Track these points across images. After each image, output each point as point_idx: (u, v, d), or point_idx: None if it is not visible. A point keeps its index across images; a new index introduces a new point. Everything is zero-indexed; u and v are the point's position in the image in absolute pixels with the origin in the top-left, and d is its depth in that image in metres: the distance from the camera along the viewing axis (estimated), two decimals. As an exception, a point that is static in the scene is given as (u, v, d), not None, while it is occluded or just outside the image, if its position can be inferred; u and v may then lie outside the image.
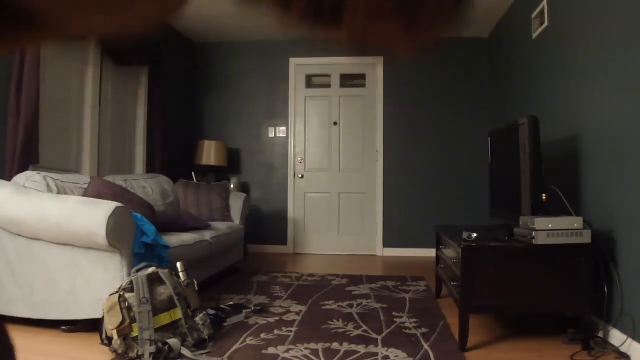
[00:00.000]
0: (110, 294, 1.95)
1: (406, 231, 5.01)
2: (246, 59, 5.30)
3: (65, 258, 2.21)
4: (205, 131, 5.34)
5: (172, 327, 1.98)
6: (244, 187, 5.21)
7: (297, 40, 5.20)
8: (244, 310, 2.56)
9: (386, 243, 5.03)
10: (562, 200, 2.44)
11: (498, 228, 2.64)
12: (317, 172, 5.14)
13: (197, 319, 2.07)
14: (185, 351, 1.90)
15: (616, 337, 2.09)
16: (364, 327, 2.35)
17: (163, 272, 2.04)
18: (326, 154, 5.14)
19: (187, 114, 5.28)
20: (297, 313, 2.61)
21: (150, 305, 1.91)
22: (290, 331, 2.27)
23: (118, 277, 2.15)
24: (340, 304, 2.84)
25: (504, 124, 2.69)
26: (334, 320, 2.48)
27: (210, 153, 4.81)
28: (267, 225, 5.21)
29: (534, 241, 2.05)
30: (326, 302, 2.86)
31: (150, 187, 3.48)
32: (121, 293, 1.93)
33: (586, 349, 2.04)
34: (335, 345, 2.07)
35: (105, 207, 2.12)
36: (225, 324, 2.37)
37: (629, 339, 1.98)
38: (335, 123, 5.15)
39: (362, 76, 5.18)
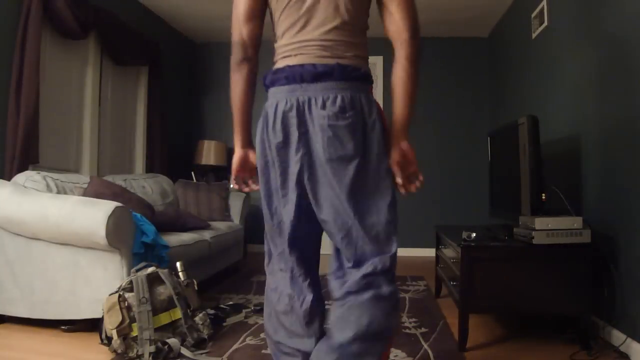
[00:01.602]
0: (110, 294, 1.95)
1: (406, 231, 5.01)
2: (246, 59, 5.29)
3: (65, 258, 2.21)
4: (205, 131, 5.34)
5: (171, 327, 1.98)
6: (243, 187, 5.21)
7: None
8: (243, 310, 2.56)
9: (386, 243, 5.03)
10: (562, 200, 2.44)
11: (498, 228, 2.64)
12: (317, 172, 5.13)
13: (197, 318, 2.07)
14: (185, 351, 1.90)
15: (616, 337, 2.09)
16: (364, 327, 2.35)
17: (163, 272, 2.04)
18: (326, 154, 5.13)
19: (187, 114, 5.28)
20: (297, 313, 2.61)
21: (150, 305, 1.92)
22: (290, 331, 2.27)
23: (118, 277, 2.15)
24: (340, 303, 2.84)
25: (504, 124, 2.69)
26: (334, 320, 2.48)
27: (210, 153, 4.81)
28: (267, 225, 5.20)
29: (533, 241, 2.05)
30: (326, 302, 2.86)
31: (150, 187, 3.48)
32: (121, 293, 1.93)
33: (586, 349, 2.03)
34: (335, 345, 2.07)
35: (105, 207, 2.12)
36: (225, 323, 2.37)
37: (629, 339, 1.98)
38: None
39: (362, 76, 5.14)
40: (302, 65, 1.22)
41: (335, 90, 1.19)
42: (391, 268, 1.27)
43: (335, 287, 1.27)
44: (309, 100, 1.19)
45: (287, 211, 1.26)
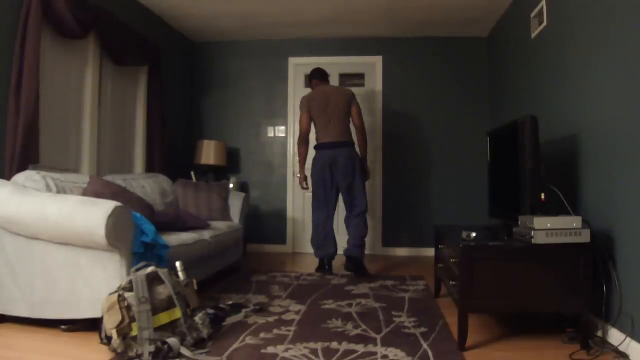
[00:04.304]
0: (110, 294, 1.95)
1: (406, 231, 5.02)
2: (246, 59, 5.30)
3: (65, 258, 2.21)
4: (204, 131, 5.34)
5: (171, 327, 1.98)
6: (243, 187, 5.22)
7: (296, 40, 5.21)
8: (243, 310, 2.56)
9: (386, 242, 5.04)
10: (562, 200, 2.44)
11: (498, 228, 2.64)
12: (316, 172, 5.14)
13: (196, 318, 2.07)
14: (184, 351, 1.90)
15: (615, 336, 2.09)
16: (364, 327, 2.35)
17: (162, 272, 2.04)
18: (326, 154, 5.15)
19: (187, 114, 5.29)
20: (297, 313, 2.61)
21: (150, 304, 1.92)
22: (290, 331, 2.27)
23: (118, 277, 2.16)
24: (339, 303, 2.84)
25: (503, 124, 2.69)
26: (334, 319, 2.49)
27: (209, 153, 4.81)
28: (267, 224, 5.21)
29: (533, 241, 2.06)
30: (325, 302, 2.87)
31: (149, 187, 3.48)
32: (121, 293, 1.93)
33: (585, 349, 2.04)
34: (334, 344, 2.08)
35: (104, 207, 2.12)
36: (224, 323, 2.37)
37: (628, 339, 1.99)
38: (335, 123, 5.23)
39: (361, 76, 5.18)
40: (334, 142, 3.80)
41: (347, 150, 3.80)
42: (366, 210, 3.87)
43: (348, 215, 3.89)
44: (339, 154, 3.77)
45: (327, 190, 3.83)
